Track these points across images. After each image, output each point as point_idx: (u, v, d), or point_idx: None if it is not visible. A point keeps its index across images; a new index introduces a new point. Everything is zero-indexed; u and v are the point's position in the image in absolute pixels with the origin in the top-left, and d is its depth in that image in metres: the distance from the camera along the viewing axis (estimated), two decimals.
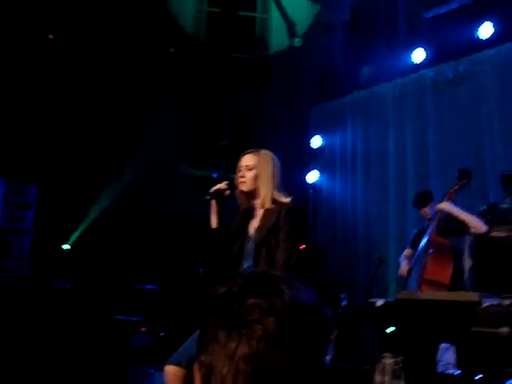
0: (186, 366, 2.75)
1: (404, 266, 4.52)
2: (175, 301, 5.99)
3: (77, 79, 7.42)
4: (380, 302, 4.14)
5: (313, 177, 7.44)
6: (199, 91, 8.24)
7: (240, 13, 8.77)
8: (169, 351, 5.53)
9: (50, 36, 7.60)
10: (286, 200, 2.88)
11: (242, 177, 2.86)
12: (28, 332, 5.53)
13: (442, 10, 6.29)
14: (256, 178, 2.83)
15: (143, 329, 5.64)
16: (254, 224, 2.92)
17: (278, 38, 8.57)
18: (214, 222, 2.91)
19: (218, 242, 2.92)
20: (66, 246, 6.74)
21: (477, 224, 4.06)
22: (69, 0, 7.22)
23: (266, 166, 2.86)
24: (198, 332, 2.66)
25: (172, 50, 8.27)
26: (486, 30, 5.67)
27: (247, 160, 2.88)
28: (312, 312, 0.84)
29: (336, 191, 7.30)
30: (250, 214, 2.96)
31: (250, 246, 2.89)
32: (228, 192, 2.87)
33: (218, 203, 2.88)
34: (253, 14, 8.85)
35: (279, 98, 8.18)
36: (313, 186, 7.46)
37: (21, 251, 6.18)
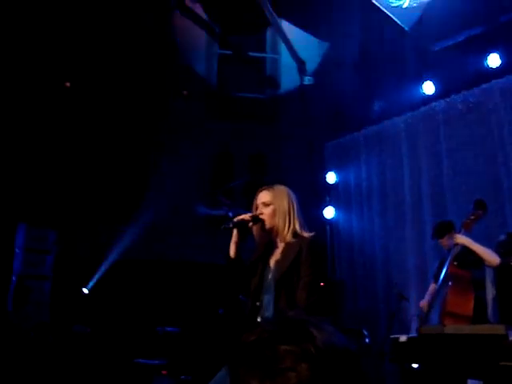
0: None
1: (425, 301, 4.46)
2: (195, 343, 5.96)
3: (94, 124, 7.58)
4: (403, 338, 4.07)
5: (329, 213, 7.44)
6: (213, 132, 8.36)
7: (250, 53, 8.97)
8: None
9: (67, 84, 7.82)
10: (308, 234, 2.86)
11: (261, 214, 2.85)
12: (49, 377, 5.52)
13: (450, 42, 6.37)
14: (274, 214, 2.83)
15: (164, 371, 5.60)
16: (275, 258, 2.90)
17: (288, 77, 8.71)
18: (232, 251, 2.89)
19: (235, 272, 2.91)
20: (85, 290, 6.76)
21: (490, 257, 4.03)
22: (85, 47, 7.43)
23: (283, 200, 2.86)
24: (219, 375, 2.64)
25: (185, 92, 8.44)
26: (494, 60, 5.72)
27: (263, 197, 2.88)
28: (346, 356, 0.82)
29: (353, 227, 7.27)
30: (270, 248, 2.94)
31: (269, 280, 2.86)
32: (251, 224, 2.85)
33: (239, 234, 2.87)
34: (263, 55, 9.03)
35: (292, 136, 8.26)
36: (329, 222, 7.44)
37: (41, 296, 6.22)
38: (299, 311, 0.74)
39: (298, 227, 2.84)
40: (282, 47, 8.69)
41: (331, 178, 7.60)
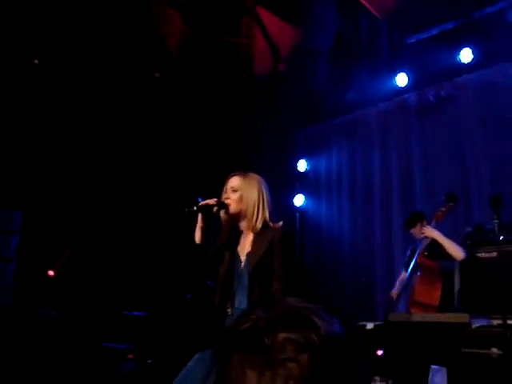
0: None
1: (395, 289, 4.54)
2: (162, 327, 5.93)
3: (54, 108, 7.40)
4: (370, 325, 4.15)
5: (299, 201, 7.48)
6: (185, 116, 8.27)
7: (224, 38, 8.88)
8: (156, 378, 5.46)
9: (35, 61, 7.61)
10: (279, 225, 2.83)
11: (227, 198, 2.82)
12: (13, 361, 5.42)
13: (424, 35, 6.44)
14: (241, 200, 2.80)
15: (130, 355, 5.57)
16: (245, 248, 2.85)
17: (262, 63, 8.66)
18: (198, 236, 2.83)
19: (200, 257, 2.85)
20: (50, 273, 6.64)
21: (455, 251, 4.12)
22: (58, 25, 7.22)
23: (253, 188, 2.82)
24: (192, 363, 2.59)
25: (157, 74, 8.32)
26: (466, 55, 5.81)
27: (233, 182, 2.85)
28: (344, 346, 0.80)
29: (322, 215, 7.33)
30: (236, 235, 2.90)
31: (241, 270, 2.81)
32: (216, 209, 2.80)
33: (204, 218, 2.81)
34: (237, 39, 8.96)
35: (264, 123, 8.24)
36: (299, 209, 7.48)
37: (5, 278, 6.08)
38: (297, 299, 0.71)
39: (267, 218, 2.82)
40: (257, 33, 8.64)
41: (302, 165, 7.63)
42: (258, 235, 2.80)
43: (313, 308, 0.81)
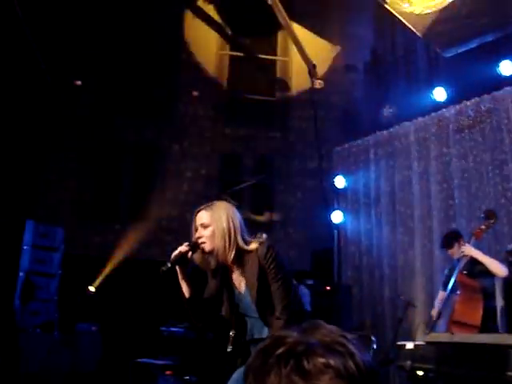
0: None
1: (435, 308, 4.45)
2: (200, 343, 5.95)
3: (98, 125, 7.55)
4: (409, 345, 4.06)
5: (337, 217, 7.42)
6: (222, 133, 8.37)
7: (261, 56, 8.98)
8: None
9: (78, 83, 7.85)
10: (256, 244, 2.68)
11: (200, 237, 2.66)
12: (53, 373, 5.54)
13: (462, 48, 6.35)
14: (214, 235, 2.64)
15: (169, 372, 5.60)
16: (238, 281, 2.75)
17: (298, 80, 8.71)
18: (185, 290, 2.71)
19: (197, 309, 2.74)
20: (91, 289, 6.78)
21: (497, 269, 4.02)
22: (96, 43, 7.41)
23: (221, 218, 2.66)
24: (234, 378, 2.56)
25: (195, 93, 8.46)
26: (506, 68, 5.70)
27: (201, 218, 2.68)
28: (376, 375, 0.80)
29: (361, 232, 7.24)
30: (225, 272, 2.78)
31: (246, 303, 2.73)
32: (190, 254, 2.66)
33: (182, 269, 2.69)
34: (274, 57, 9.04)
35: (301, 140, 8.26)
36: (337, 226, 7.42)
37: (48, 293, 6.24)
38: (332, 326, 0.70)
39: (241, 244, 2.66)
40: (293, 50, 8.69)
41: (340, 182, 7.58)
42: (246, 261, 2.68)
43: (348, 336, 0.81)
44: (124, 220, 7.98)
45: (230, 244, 2.64)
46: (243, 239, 2.68)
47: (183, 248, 2.65)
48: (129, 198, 8.19)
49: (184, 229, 8.07)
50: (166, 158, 8.20)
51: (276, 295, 2.62)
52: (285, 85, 8.78)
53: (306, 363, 0.75)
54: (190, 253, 2.65)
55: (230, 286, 2.76)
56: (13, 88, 7.14)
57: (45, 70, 7.11)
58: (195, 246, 2.66)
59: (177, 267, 2.67)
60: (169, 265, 2.61)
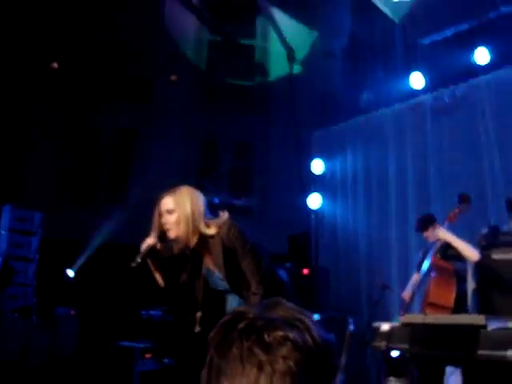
0: None
1: (407, 291, 4.55)
2: (180, 326, 6.00)
3: (78, 107, 7.48)
4: (385, 326, 4.17)
5: (315, 201, 7.50)
6: (201, 118, 8.35)
7: (240, 40, 8.95)
8: (174, 378, 5.53)
9: (55, 65, 7.73)
10: (216, 226, 2.69)
11: (165, 224, 2.66)
12: (32, 358, 5.53)
13: (439, 36, 6.43)
14: (183, 222, 2.64)
15: (148, 355, 5.64)
16: (208, 264, 2.79)
17: (277, 65, 8.72)
18: (160, 280, 2.75)
19: (174, 295, 2.83)
20: (70, 273, 6.76)
21: (470, 252, 4.12)
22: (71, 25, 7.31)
23: (185, 204, 2.66)
24: None
25: (173, 77, 8.40)
26: (481, 56, 5.79)
27: (166, 204, 2.68)
28: (331, 348, 0.85)
29: (338, 215, 7.34)
30: (196, 255, 2.80)
31: (220, 284, 2.79)
32: (159, 245, 2.68)
33: (153, 261, 2.72)
34: (252, 42, 9.02)
35: (280, 124, 8.29)
36: (315, 210, 7.51)
37: (26, 278, 6.21)
38: (287, 304, 0.75)
39: (203, 229, 2.67)
40: (272, 35, 8.69)
41: (318, 166, 7.65)
42: (210, 246, 2.71)
43: (306, 313, 0.86)
44: (102, 204, 7.95)
45: (193, 230, 2.64)
46: (205, 224, 2.68)
47: (151, 240, 2.65)
48: (107, 182, 8.15)
49: None
50: (145, 142, 8.16)
51: (248, 271, 2.66)
52: (264, 70, 8.78)
53: (266, 336, 0.79)
54: (158, 244, 2.66)
55: (201, 268, 2.78)
56: None
57: (21, 52, 7.00)
58: (162, 236, 2.66)
59: (148, 261, 2.68)
60: (139, 260, 2.63)
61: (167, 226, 2.65)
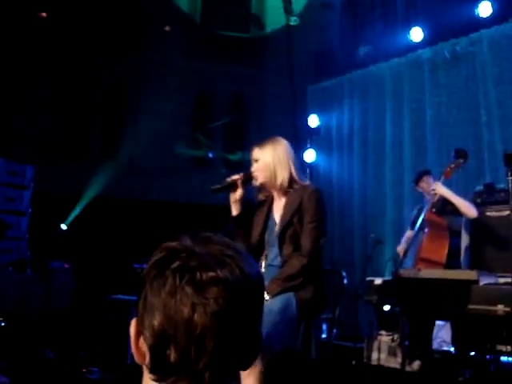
0: None
1: (401, 246, 4.57)
2: None
3: (71, 55, 7.32)
4: (377, 281, 4.20)
5: (310, 156, 7.45)
6: (195, 71, 8.19)
7: None
8: None
9: (43, 14, 7.51)
10: (308, 183, 2.97)
11: (253, 171, 2.94)
12: (26, 312, 5.58)
13: None
14: (266, 169, 2.89)
15: None
16: (278, 211, 2.96)
17: (273, 17, 8.50)
18: (232, 210, 2.97)
19: (239, 228, 2.97)
20: (63, 227, 6.74)
21: (467, 209, 4.12)
22: None
23: (267, 152, 2.90)
24: None
25: (167, 28, 8.20)
26: (484, 9, 5.64)
27: (252, 154, 2.96)
28: (261, 286, 0.90)
29: (333, 171, 7.32)
30: (271, 203, 3.01)
31: (275, 231, 2.93)
32: (240, 183, 2.92)
33: (234, 193, 2.94)
34: None
35: (275, 77, 8.15)
36: (310, 165, 7.47)
37: (19, 231, 6.19)
38: (218, 239, 0.77)
39: (294, 175, 2.90)
40: None
41: (313, 121, 7.56)
42: (289, 195, 2.90)
43: (237, 248, 0.89)
44: (95, 157, 7.87)
45: (277, 175, 2.88)
46: (295, 171, 2.91)
47: (236, 177, 2.92)
48: (100, 136, 8.04)
49: (155, 166, 8.04)
50: (138, 96, 8.02)
51: (306, 235, 2.81)
52: (259, 21, 8.56)
53: (198, 276, 0.82)
54: (239, 181, 2.91)
55: (269, 213, 2.99)
56: None
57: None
58: (247, 177, 2.93)
59: (229, 190, 2.93)
60: (218, 186, 2.93)
61: (255, 174, 2.92)
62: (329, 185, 7.31)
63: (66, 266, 6.47)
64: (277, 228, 2.92)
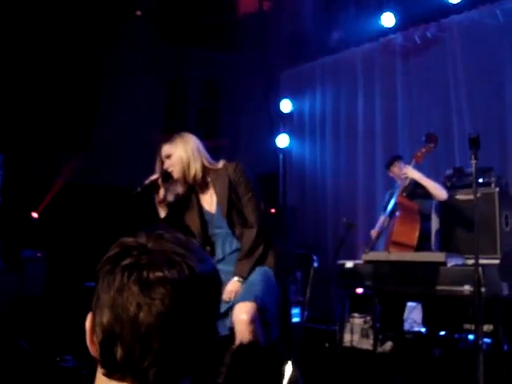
0: None
1: (375, 229, 4.62)
2: None
3: (41, 46, 7.18)
4: (349, 264, 4.25)
5: (283, 141, 7.46)
6: (168, 56, 8.10)
7: None
8: None
9: None
10: (224, 162, 2.98)
11: (168, 167, 2.94)
12: (1, 302, 5.51)
13: None
14: (179, 163, 2.91)
15: None
16: (208, 202, 2.99)
17: (247, 1, 8.44)
18: (160, 212, 2.99)
19: (172, 226, 2.88)
20: (34, 214, 6.65)
21: (438, 191, 4.19)
22: None
23: (184, 146, 2.93)
24: None
25: (138, 12, 8.07)
26: None
27: (166, 150, 2.95)
28: (211, 285, 0.89)
29: (306, 155, 7.35)
30: (197, 198, 3.02)
31: (216, 217, 2.94)
32: (160, 181, 2.94)
33: (157, 194, 2.96)
34: None
35: (248, 62, 8.10)
36: (283, 150, 7.48)
37: None
38: (170, 236, 0.78)
39: (206, 163, 2.95)
40: None
41: (286, 106, 7.56)
42: (215, 181, 2.94)
43: (189, 244, 0.88)
44: (67, 144, 7.75)
45: (192, 166, 2.90)
46: (208, 161, 2.95)
47: (154, 176, 2.93)
48: (72, 122, 7.91)
49: (128, 153, 7.93)
50: (110, 82, 7.89)
51: (248, 207, 2.90)
52: (233, 5, 8.49)
53: (145, 275, 0.82)
54: (160, 180, 2.92)
55: (200, 207, 3.00)
56: None
57: None
58: (166, 174, 2.93)
59: (156, 192, 2.94)
60: (139, 189, 2.91)
61: (170, 169, 2.93)
62: (302, 169, 7.36)
63: (39, 254, 6.39)
64: (218, 213, 2.94)
